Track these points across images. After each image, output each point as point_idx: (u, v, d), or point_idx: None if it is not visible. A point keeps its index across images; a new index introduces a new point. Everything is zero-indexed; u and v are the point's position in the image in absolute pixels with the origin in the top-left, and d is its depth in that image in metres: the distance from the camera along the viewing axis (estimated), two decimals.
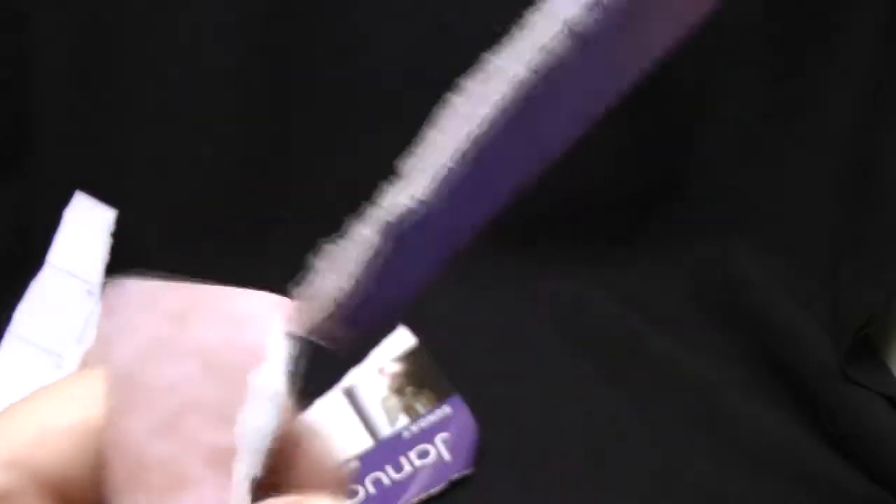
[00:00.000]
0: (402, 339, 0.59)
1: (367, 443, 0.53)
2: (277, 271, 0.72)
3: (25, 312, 0.59)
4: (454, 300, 0.66)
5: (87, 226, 0.64)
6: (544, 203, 0.69)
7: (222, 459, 0.19)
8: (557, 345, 0.62)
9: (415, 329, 0.60)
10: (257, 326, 0.21)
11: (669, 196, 0.69)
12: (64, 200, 0.66)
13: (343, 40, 0.65)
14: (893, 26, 0.61)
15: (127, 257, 0.65)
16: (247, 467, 0.19)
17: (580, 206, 0.68)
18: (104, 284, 0.63)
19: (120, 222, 0.66)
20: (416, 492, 0.49)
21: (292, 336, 0.21)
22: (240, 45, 0.64)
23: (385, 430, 0.53)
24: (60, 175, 0.66)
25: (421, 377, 0.56)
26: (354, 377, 0.57)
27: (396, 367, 0.57)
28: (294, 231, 0.68)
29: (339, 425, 0.54)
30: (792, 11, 0.64)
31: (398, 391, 0.55)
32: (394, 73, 0.66)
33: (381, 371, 0.57)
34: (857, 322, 0.57)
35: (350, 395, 0.55)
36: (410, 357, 0.58)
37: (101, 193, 0.66)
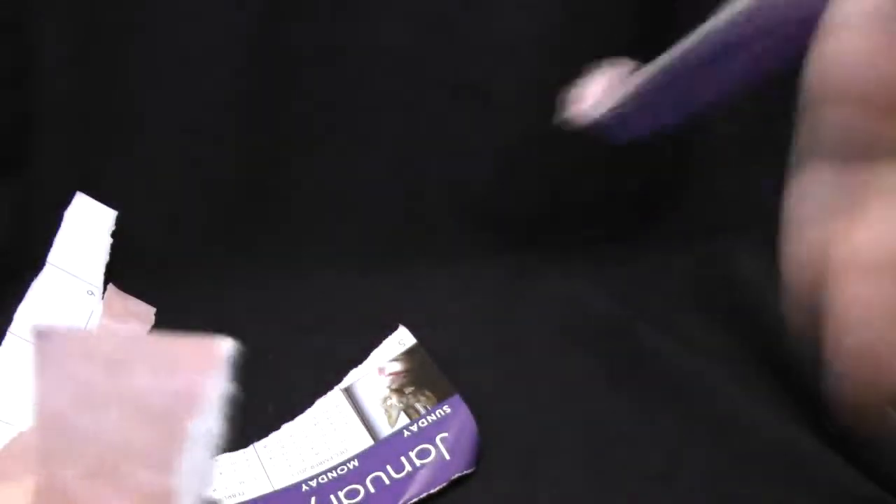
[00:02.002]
0: (401, 339, 0.59)
1: (367, 442, 0.53)
2: (277, 271, 0.72)
3: (26, 312, 0.59)
4: (454, 300, 0.66)
5: (87, 226, 0.64)
6: (544, 203, 0.69)
7: (160, 502, 0.19)
8: (557, 345, 0.62)
9: (414, 329, 0.60)
10: (192, 371, 0.21)
11: (669, 196, 0.69)
12: (64, 200, 0.66)
13: (343, 40, 0.65)
14: None
15: (127, 257, 0.66)
16: None
17: (580, 206, 0.68)
18: (106, 283, 0.63)
19: (120, 222, 0.66)
20: (416, 491, 0.49)
21: (226, 379, 0.21)
22: (240, 45, 0.65)
23: (385, 429, 0.53)
24: (60, 175, 0.66)
25: (421, 377, 0.56)
26: (354, 377, 0.57)
27: (396, 367, 0.57)
28: (294, 231, 0.69)
29: (339, 425, 0.54)
30: None
31: (398, 391, 0.55)
32: (394, 72, 0.66)
33: (380, 371, 0.57)
34: None
35: (350, 394, 0.55)
36: (410, 356, 0.58)
37: (102, 193, 0.66)
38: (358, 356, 0.60)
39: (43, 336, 0.20)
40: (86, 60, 0.65)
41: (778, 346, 0.61)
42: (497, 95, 0.65)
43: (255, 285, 0.67)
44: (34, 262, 0.62)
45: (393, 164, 0.68)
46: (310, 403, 0.56)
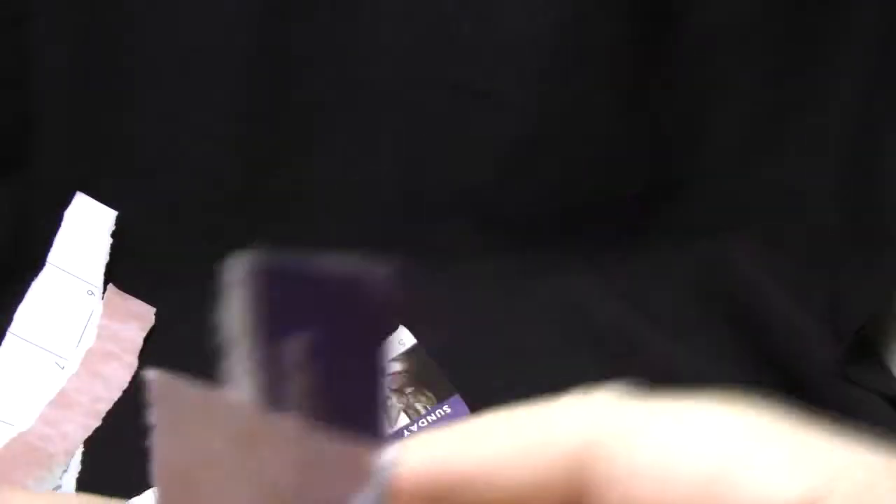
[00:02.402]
0: (401, 339, 0.59)
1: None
2: None
3: (26, 312, 0.59)
4: (454, 300, 0.66)
5: (87, 226, 0.64)
6: (544, 203, 0.69)
7: None
8: (557, 345, 0.62)
9: (414, 329, 0.60)
10: (338, 481, 0.18)
11: (669, 196, 0.69)
12: (64, 200, 0.66)
13: (343, 40, 0.65)
14: (893, 26, 0.61)
15: (127, 257, 0.66)
16: None
17: (580, 206, 0.68)
18: (106, 283, 0.63)
19: (120, 222, 0.66)
20: None
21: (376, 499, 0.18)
22: (240, 45, 0.64)
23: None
24: (60, 175, 0.66)
25: (421, 377, 0.56)
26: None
27: (396, 367, 0.57)
28: (294, 231, 0.68)
29: None
30: (792, 11, 0.64)
31: (398, 391, 0.55)
32: (394, 73, 0.66)
33: None
34: (857, 321, 0.57)
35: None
36: (410, 357, 0.58)
37: (102, 193, 0.66)
38: None
39: (160, 383, 0.18)
40: (86, 60, 0.65)
41: (778, 346, 0.61)
42: (497, 95, 0.65)
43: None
44: (34, 262, 0.62)
45: (393, 164, 0.68)
46: None
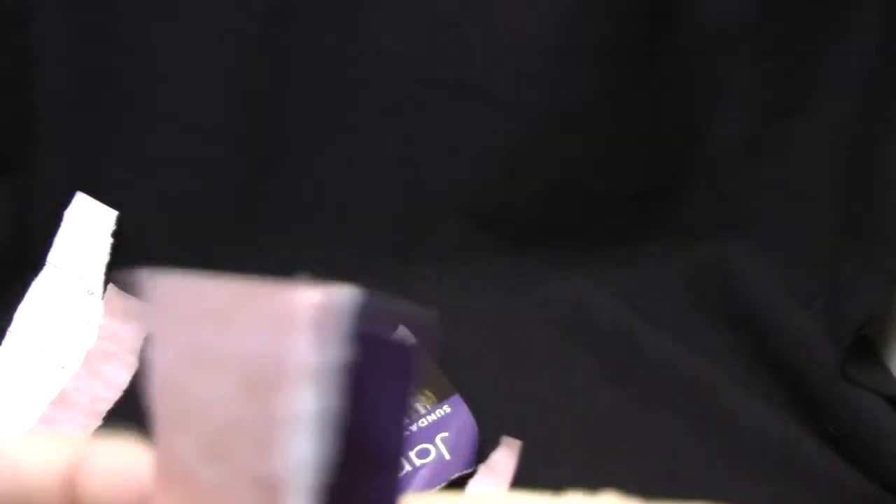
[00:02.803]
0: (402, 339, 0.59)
1: None
2: (277, 272, 0.72)
3: (26, 312, 0.59)
4: (454, 300, 0.66)
5: (87, 226, 0.64)
6: (544, 203, 0.69)
7: (271, 493, 0.16)
8: (557, 345, 0.62)
9: (414, 329, 0.60)
10: (299, 332, 0.16)
11: (669, 196, 0.69)
12: (64, 200, 0.66)
13: (343, 40, 0.65)
14: (893, 26, 0.61)
15: (127, 257, 0.66)
16: None
17: (580, 206, 0.68)
18: (106, 283, 0.63)
19: (120, 222, 0.66)
20: (416, 491, 0.49)
21: (338, 341, 0.17)
22: (240, 45, 0.64)
23: None
24: (61, 175, 0.66)
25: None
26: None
27: None
28: (294, 231, 0.69)
29: None
30: (792, 11, 0.64)
31: None
32: (394, 72, 0.66)
33: None
34: (857, 322, 0.57)
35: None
36: None
37: (102, 193, 0.66)
38: None
39: (154, 285, 0.17)
40: (85, 60, 0.65)
41: (778, 346, 0.61)
42: (497, 95, 0.65)
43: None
44: (34, 262, 0.62)
45: (393, 164, 0.68)
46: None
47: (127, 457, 0.19)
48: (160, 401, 0.18)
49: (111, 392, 0.57)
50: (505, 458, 0.53)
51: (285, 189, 0.68)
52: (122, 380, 0.58)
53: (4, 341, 0.57)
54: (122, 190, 0.66)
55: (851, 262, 0.61)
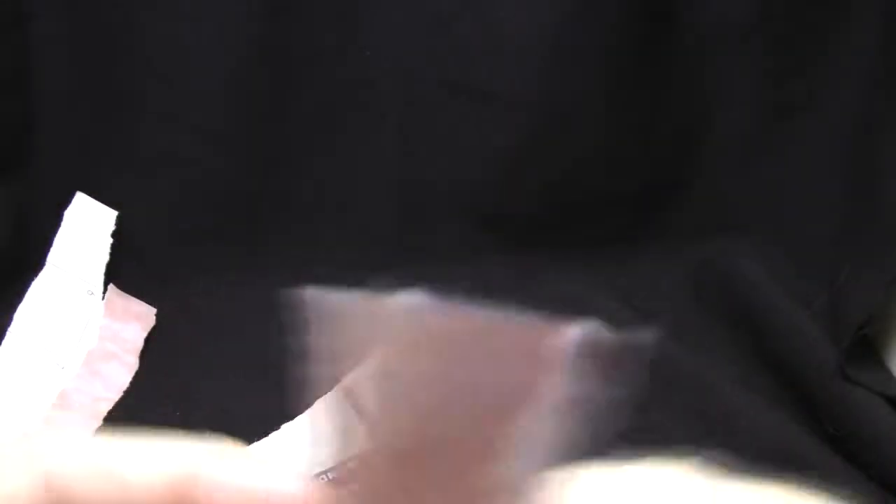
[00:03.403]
0: None
1: None
2: (278, 271, 0.72)
3: (26, 313, 0.59)
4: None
5: (87, 226, 0.64)
6: (544, 203, 0.69)
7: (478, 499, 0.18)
8: None
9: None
10: (529, 365, 0.18)
11: (669, 196, 0.69)
12: (64, 200, 0.66)
13: (343, 40, 0.65)
14: (893, 26, 0.61)
15: (127, 257, 0.66)
16: None
17: (580, 206, 0.68)
18: (106, 284, 0.63)
19: (120, 222, 0.66)
20: None
21: (572, 378, 0.18)
22: (240, 45, 0.64)
23: None
24: (60, 175, 0.66)
25: None
26: (355, 376, 0.56)
27: None
28: (294, 231, 0.69)
29: (339, 425, 0.54)
30: (792, 11, 0.64)
31: None
32: (394, 72, 0.66)
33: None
34: (857, 322, 0.57)
35: (350, 395, 0.55)
36: None
37: (102, 193, 0.66)
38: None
39: (309, 301, 0.19)
40: (85, 60, 0.65)
41: (778, 346, 0.61)
42: (497, 95, 0.65)
43: (255, 285, 0.67)
44: (34, 262, 0.62)
45: (393, 164, 0.68)
46: (310, 403, 0.55)
47: (246, 470, 0.21)
48: (379, 408, 0.20)
49: (111, 392, 0.57)
50: None
51: (285, 189, 0.68)
52: (122, 380, 0.58)
53: (4, 342, 0.57)
54: (122, 190, 0.66)
55: (851, 262, 0.61)
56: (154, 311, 0.63)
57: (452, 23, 0.64)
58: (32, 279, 0.61)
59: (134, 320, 0.62)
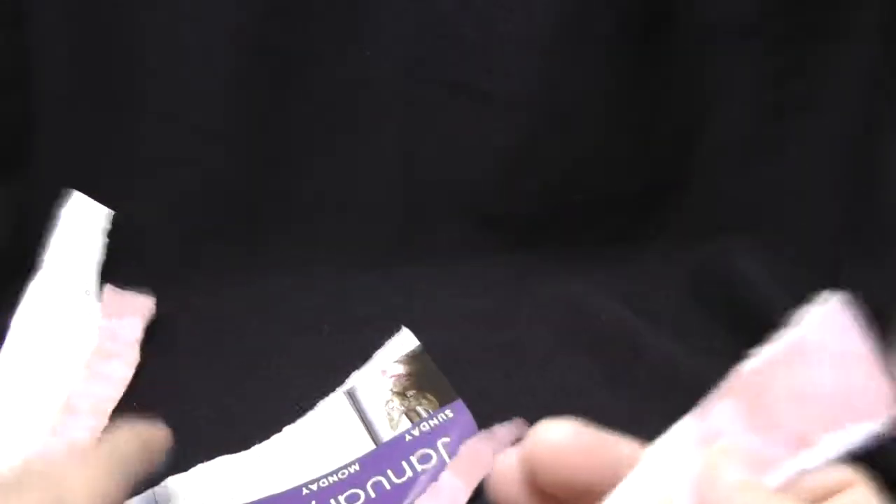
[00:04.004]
0: (405, 342, 0.59)
1: (368, 446, 0.53)
2: (278, 271, 0.72)
3: (23, 317, 0.59)
4: (454, 300, 0.66)
5: (82, 225, 0.64)
6: (544, 203, 0.69)
7: (801, 443, 0.26)
8: (557, 345, 0.62)
9: (414, 329, 0.60)
10: (865, 403, 0.26)
11: (669, 196, 0.69)
12: (64, 200, 0.66)
13: (343, 40, 0.65)
14: (893, 26, 0.61)
15: (127, 257, 0.66)
16: (808, 460, 0.26)
17: (580, 206, 0.68)
18: (102, 283, 0.63)
19: (119, 222, 0.66)
20: (417, 496, 0.49)
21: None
22: (240, 45, 0.64)
23: (386, 433, 0.53)
24: (60, 175, 0.66)
25: (423, 380, 0.56)
26: (357, 379, 0.57)
27: (399, 369, 0.57)
28: (294, 230, 0.69)
29: (341, 428, 0.54)
30: (792, 11, 0.64)
31: (400, 394, 0.55)
32: (394, 72, 0.66)
33: (383, 373, 0.57)
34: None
35: (352, 396, 0.55)
36: (413, 359, 0.57)
37: (101, 193, 0.66)
38: (358, 355, 0.60)
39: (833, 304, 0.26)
40: (85, 60, 0.65)
41: None
42: (497, 95, 0.65)
43: (255, 285, 0.67)
44: (34, 262, 0.62)
45: (393, 164, 0.68)
46: (311, 404, 0.56)
47: (572, 432, 0.25)
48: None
49: (115, 391, 0.57)
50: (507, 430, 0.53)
51: (285, 189, 0.68)
52: (124, 376, 0.58)
53: (5, 343, 0.57)
54: (122, 190, 0.66)
55: (852, 262, 0.61)
56: (152, 300, 0.62)
57: (452, 23, 0.64)
58: (30, 280, 0.61)
59: (131, 314, 0.61)
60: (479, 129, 0.66)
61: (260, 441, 0.53)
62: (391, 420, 0.53)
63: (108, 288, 0.62)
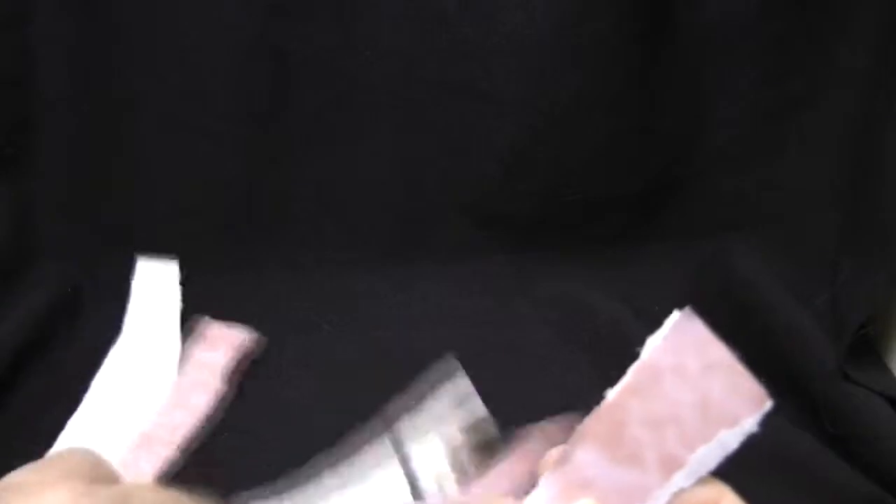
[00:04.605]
0: (471, 409, 0.55)
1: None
2: (278, 271, 0.72)
3: (103, 382, 0.58)
4: (454, 300, 0.66)
5: (155, 288, 0.64)
6: (544, 203, 0.69)
7: (670, 467, 0.27)
8: (557, 345, 0.62)
9: (414, 329, 0.60)
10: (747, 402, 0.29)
11: (669, 196, 0.69)
12: (64, 200, 0.66)
13: (342, 40, 0.65)
14: (893, 26, 0.61)
15: (127, 257, 0.66)
16: (681, 481, 0.27)
17: (580, 206, 0.68)
18: (183, 329, 0.63)
19: (119, 221, 0.66)
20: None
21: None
22: (240, 45, 0.64)
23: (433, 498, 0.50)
24: (60, 175, 0.66)
25: (484, 452, 0.53)
26: (412, 446, 0.53)
27: (460, 439, 0.53)
28: (294, 230, 0.69)
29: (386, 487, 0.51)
30: (792, 11, 0.64)
31: (460, 470, 0.52)
32: (394, 72, 0.66)
33: (443, 441, 0.53)
34: (857, 322, 0.57)
35: (405, 464, 0.52)
36: (478, 429, 0.55)
37: (101, 194, 0.66)
38: (358, 355, 0.60)
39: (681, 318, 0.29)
40: (86, 60, 0.65)
41: (778, 346, 0.61)
42: (497, 95, 0.65)
43: (255, 284, 0.67)
44: (32, 262, 0.62)
45: (393, 164, 0.68)
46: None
47: None
48: (636, 380, 0.29)
49: (193, 419, 0.56)
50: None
51: (285, 189, 0.68)
52: (205, 406, 0.57)
53: (82, 407, 0.56)
54: (123, 190, 0.67)
55: (851, 261, 0.61)
56: (248, 336, 0.61)
57: (452, 23, 0.64)
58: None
59: (224, 345, 0.60)
60: (479, 129, 0.66)
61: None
62: (440, 488, 0.51)
63: (206, 322, 0.62)
